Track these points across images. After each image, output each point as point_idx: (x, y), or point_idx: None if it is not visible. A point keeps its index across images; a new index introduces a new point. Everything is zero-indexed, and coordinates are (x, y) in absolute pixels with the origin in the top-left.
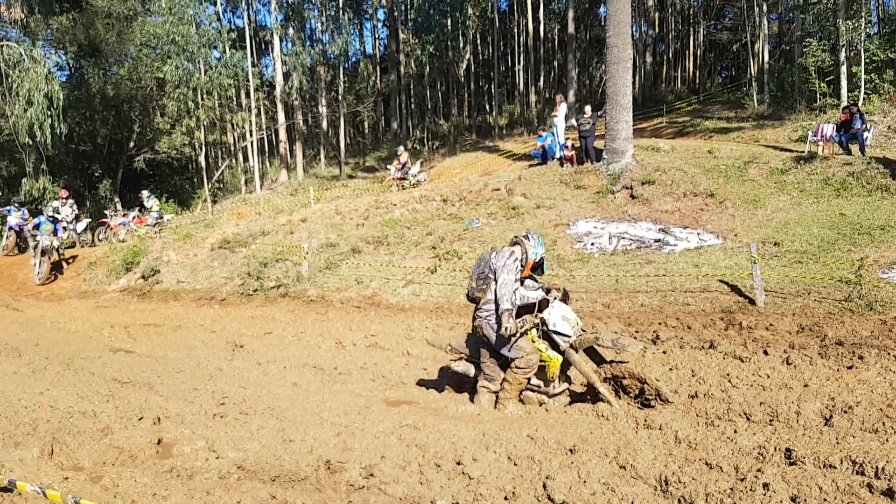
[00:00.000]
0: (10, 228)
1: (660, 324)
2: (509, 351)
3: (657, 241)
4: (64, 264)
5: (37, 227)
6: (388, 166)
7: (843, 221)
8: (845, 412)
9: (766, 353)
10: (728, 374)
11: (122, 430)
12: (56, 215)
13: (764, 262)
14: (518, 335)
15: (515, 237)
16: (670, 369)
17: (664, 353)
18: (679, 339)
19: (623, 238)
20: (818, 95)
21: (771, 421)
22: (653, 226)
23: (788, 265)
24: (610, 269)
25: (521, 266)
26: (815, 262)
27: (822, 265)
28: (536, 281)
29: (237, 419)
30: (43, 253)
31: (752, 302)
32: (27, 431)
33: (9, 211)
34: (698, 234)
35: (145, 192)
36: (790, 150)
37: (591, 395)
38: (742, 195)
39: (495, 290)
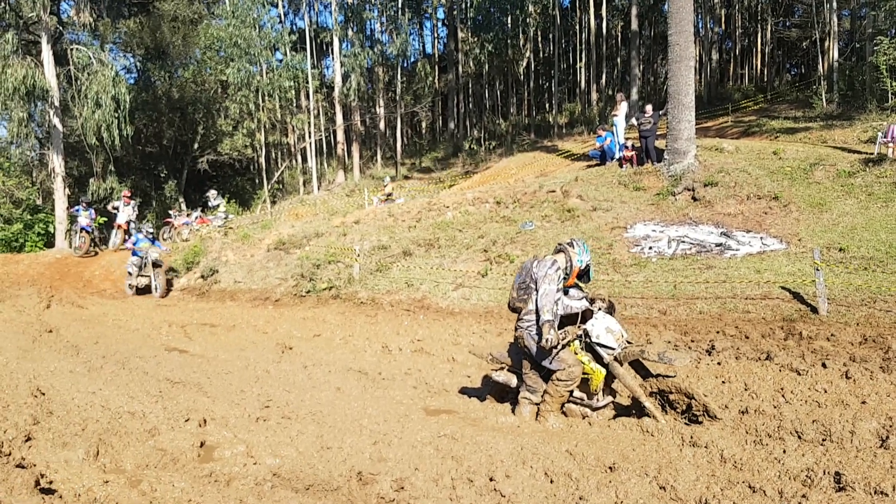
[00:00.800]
0: (83, 229)
1: (717, 332)
2: (550, 363)
3: (718, 245)
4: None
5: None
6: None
7: None
8: None
9: (824, 365)
10: (782, 389)
11: (168, 431)
12: (152, 230)
13: (828, 269)
14: (560, 347)
15: (560, 244)
16: (723, 382)
17: (718, 364)
18: (735, 349)
19: (683, 242)
20: (890, 95)
21: (823, 440)
22: (714, 229)
23: (854, 272)
24: (668, 275)
25: (566, 275)
26: (882, 270)
27: (890, 273)
28: (581, 290)
29: (279, 423)
30: (154, 266)
31: (814, 310)
32: (76, 432)
33: (77, 210)
34: (761, 238)
35: (213, 192)
36: (859, 152)
37: (636, 409)
38: (807, 198)
39: (536, 301)
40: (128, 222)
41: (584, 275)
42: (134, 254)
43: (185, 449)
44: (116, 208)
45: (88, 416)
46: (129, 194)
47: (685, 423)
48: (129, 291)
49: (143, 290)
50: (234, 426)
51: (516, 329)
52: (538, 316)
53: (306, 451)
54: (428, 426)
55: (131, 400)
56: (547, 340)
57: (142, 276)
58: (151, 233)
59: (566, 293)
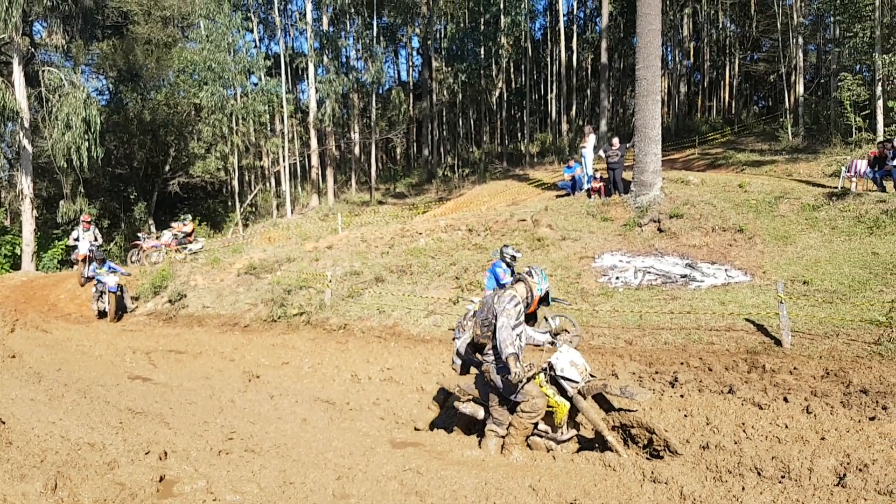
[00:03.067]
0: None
1: (681, 363)
2: (515, 396)
3: (683, 276)
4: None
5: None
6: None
7: (875, 261)
8: (860, 470)
9: (786, 400)
10: (744, 423)
11: (127, 464)
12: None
13: (792, 302)
14: (525, 380)
15: (519, 274)
16: (685, 416)
17: (681, 396)
18: (698, 381)
19: (649, 272)
20: (854, 129)
21: (782, 478)
22: (679, 261)
23: (817, 305)
24: (634, 305)
25: (527, 304)
26: (845, 303)
27: (853, 306)
28: (546, 319)
29: (241, 457)
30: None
31: (778, 343)
32: (34, 463)
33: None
34: (726, 270)
35: (187, 217)
36: (823, 186)
37: (599, 442)
38: (772, 231)
39: (495, 335)
40: (90, 250)
41: (543, 300)
42: (97, 279)
43: (144, 483)
44: (77, 238)
45: (48, 446)
46: (88, 219)
47: (647, 458)
48: (94, 312)
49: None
50: (196, 460)
51: (482, 363)
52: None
53: (268, 486)
54: (393, 459)
55: (91, 431)
56: (515, 374)
57: (100, 301)
58: (106, 263)
59: (528, 323)
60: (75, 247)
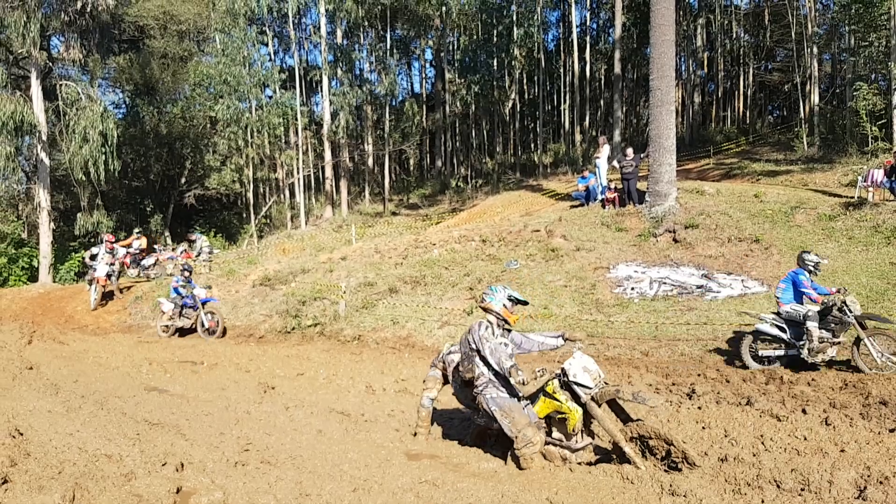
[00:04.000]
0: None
1: (699, 375)
2: (504, 425)
3: (700, 287)
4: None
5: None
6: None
7: (893, 271)
8: (881, 483)
9: (804, 411)
10: (762, 436)
11: (144, 476)
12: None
13: None
14: (515, 409)
15: (484, 292)
16: (703, 428)
17: (699, 408)
18: (716, 393)
19: (664, 283)
20: (870, 139)
21: (801, 490)
22: (695, 271)
23: None
24: (650, 316)
25: (503, 320)
26: None
27: None
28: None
29: (258, 468)
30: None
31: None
32: (52, 475)
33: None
34: (742, 280)
35: (196, 235)
36: (839, 196)
37: (616, 453)
38: (788, 241)
39: (486, 360)
40: (108, 275)
41: (517, 303)
42: (175, 291)
43: (161, 495)
44: (94, 257)
45: (65, 458)
46: (112, 238)
47: (665, 471)
48: (161, 333)
49: (186, 331)
50: (212, 471)
51: (475, 398)
52: (492, 372)
53: (284, 498)
54: (409, 471)
55: (108, 442)
56: (521, 381)
57: (184, 316)
58: (189, 268)
59: (508, 333)
60: (91, 266)
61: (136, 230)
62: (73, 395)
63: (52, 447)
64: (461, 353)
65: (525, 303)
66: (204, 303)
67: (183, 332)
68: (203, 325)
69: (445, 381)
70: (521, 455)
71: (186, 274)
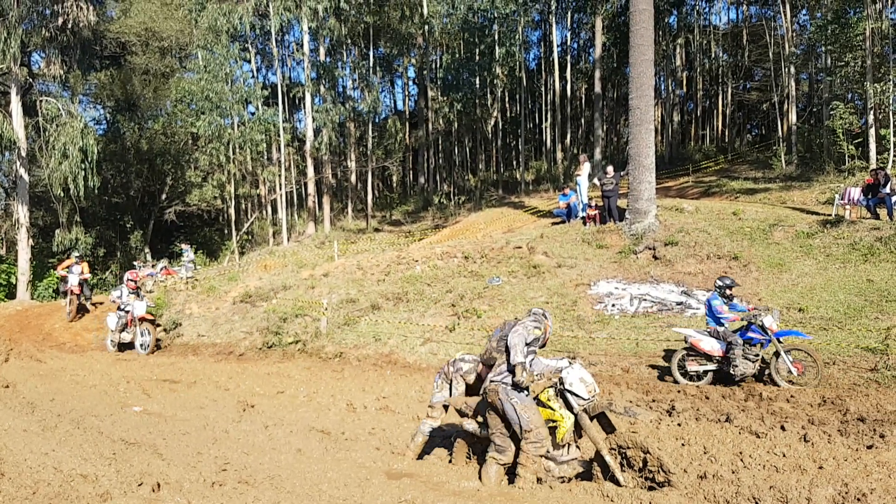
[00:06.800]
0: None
1: (678, 391)
2: (519, 421)
3: (679, 303)
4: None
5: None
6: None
7: (870, 288)
8: (858, 500)
9: (783, 428)
10: (741, 452)
11: (120, 496)
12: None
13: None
14: (528, 404)
15: (543, 311)
16: (683, 444)
17: (679, 425)
18: (696, 409)
19: (644, 300)
20: (847, 157)
21: None
22: (675, 288)
23: (813, 332)
24: (630, 332)
25: (544, 341)
26: (841, 330)
27: (849, 333)
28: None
29: (235, 489)
30: (142, 321)
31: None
32: (27, 496)
33: (69, 270)
34: None
35: (185, 246)
36: (817, 213)
37: (599, 464)
38: (767, 259)
39: (508, 348)
40: (80, 284)
41: (544, 344)
42: (119, 308)
43: None
44: (69, 269)
45: (40, 478)
46: (135, 276)
47: (646, 489)
48: (110, 348)
49: (127, 346)
50: (189, 491)
51: (490, 382)
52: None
53: None
54: (389, 491)
55: (84, 462)
56: (520, 381)
57: (126, 331)
58: (135, 282)
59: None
60: (65, 278)
61: (75, 254)
62: (50, 413)
63: (26, 467)
64: (499, 334)
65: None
66: (141, 318)
67: (122, 346)
68: (139, 340)
69: (446, 409)
70: (526, 451)
71: (132, 286)
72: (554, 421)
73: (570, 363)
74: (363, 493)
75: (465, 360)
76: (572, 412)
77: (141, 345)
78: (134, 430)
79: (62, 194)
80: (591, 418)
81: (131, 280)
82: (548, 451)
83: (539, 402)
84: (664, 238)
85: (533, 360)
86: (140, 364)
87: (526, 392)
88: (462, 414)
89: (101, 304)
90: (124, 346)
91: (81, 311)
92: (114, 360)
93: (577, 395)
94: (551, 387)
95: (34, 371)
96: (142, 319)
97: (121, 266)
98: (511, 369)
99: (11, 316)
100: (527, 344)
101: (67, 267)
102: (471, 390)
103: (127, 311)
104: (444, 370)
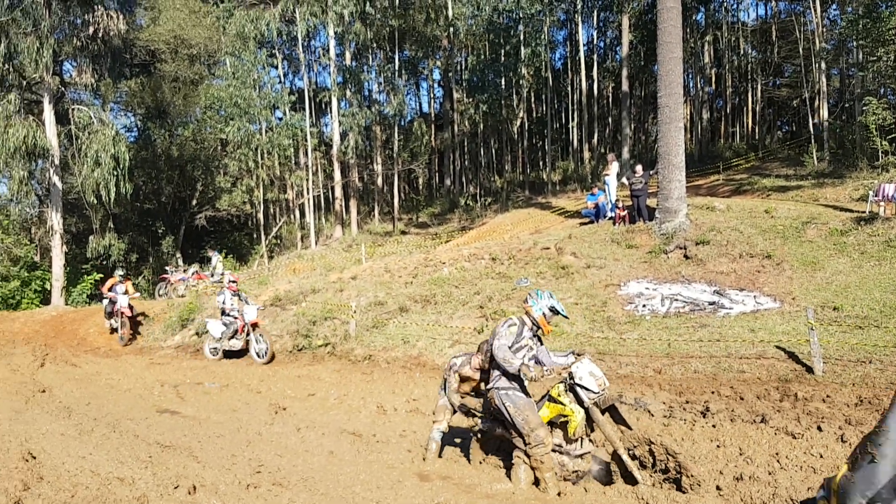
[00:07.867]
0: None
1: (712, 392)
2: (516, 423)
3: (712, 303)
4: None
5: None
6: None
7: None
8: None
9: (819, 428)
10: (778, 453)
11: (157, 499)
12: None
13: (822, 328)
14: (527, 411)
15: (530, 292)
16: (718, 446)
17: (713, 426)
18: (730, 411)
19: (676, 300)
20: (880, 153)
21: None
22: (707, 288)
23: (848, 331)
24: (662, 333)
25: (535, 327)
26: (877, 328)
27: (885, 331)
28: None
29: (269, 491)
30: (255, 327)
31: (809, 370)
32: (65, 499)
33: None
34: (755, 297)
35: (214, 253)
36: (851, 210)
37: (617, 462)
38: (800, 257)
39: (493, 359)
40: (131, 306)
41: (556, 313)
42: (224, 313)
43: None
44: (113, 289)
45: (78, 481)
46: (235, 278)
47: (680, 491)
48: (210, 356)
49: (234, 354)
50: (224, 494)
51: (489, 390)
52: (503, 371)
53: None
54: (422, 493)
55: (121, 465)
56: (531, 378)
57: (236, 338)
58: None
59: (541, 343)
60: (113, 300)
61: (119, 272)
62: (86, 417)
63: (64, 470)
64: (485, 348)
65: (565, 316)
66: (254, 323)
67: (228, 354)
68: (255, 348)
69: (454, 411)
70: (531, 455)
71: (234, 287)
72: (565, 416)
73: (576, 358)
74: (396, 495)
75: (458, 356)
76: (583, 406)
77: (257, 353)
78: (169, 434)
79: (95, 201)
80: (602, 412)
81: (232, 281)
82: (560, 446)
83: (550, 398)
84: (695, 237)
85: (534, 355)
86: (173, 368)
87: (523, 390)
88: (468, 414)
89: (143, 314)
90: (231, 354)
91: (134, 327)
92: (148, 364)
93: (587, 389)
94: (561, 382)
95: (70, 375)
96: (254, 325)
97: (153, 271)
98: (506, 374)
99: (46, 321)
100: (514, 344)
101: (111, 287)
102: (467, 382)
103: (235, 318)
104: (445, 374)
